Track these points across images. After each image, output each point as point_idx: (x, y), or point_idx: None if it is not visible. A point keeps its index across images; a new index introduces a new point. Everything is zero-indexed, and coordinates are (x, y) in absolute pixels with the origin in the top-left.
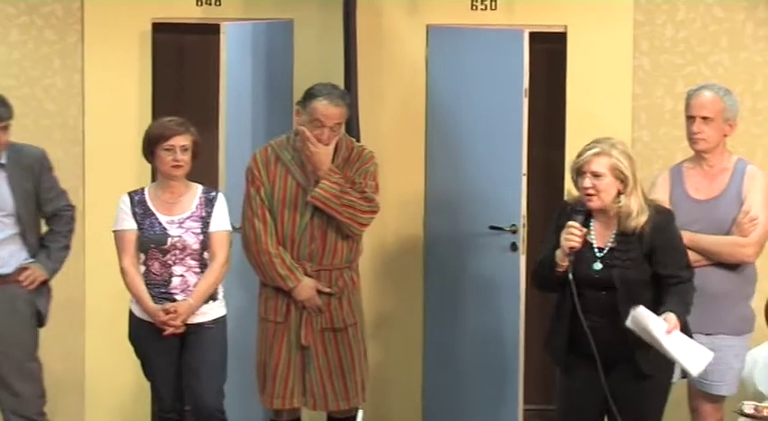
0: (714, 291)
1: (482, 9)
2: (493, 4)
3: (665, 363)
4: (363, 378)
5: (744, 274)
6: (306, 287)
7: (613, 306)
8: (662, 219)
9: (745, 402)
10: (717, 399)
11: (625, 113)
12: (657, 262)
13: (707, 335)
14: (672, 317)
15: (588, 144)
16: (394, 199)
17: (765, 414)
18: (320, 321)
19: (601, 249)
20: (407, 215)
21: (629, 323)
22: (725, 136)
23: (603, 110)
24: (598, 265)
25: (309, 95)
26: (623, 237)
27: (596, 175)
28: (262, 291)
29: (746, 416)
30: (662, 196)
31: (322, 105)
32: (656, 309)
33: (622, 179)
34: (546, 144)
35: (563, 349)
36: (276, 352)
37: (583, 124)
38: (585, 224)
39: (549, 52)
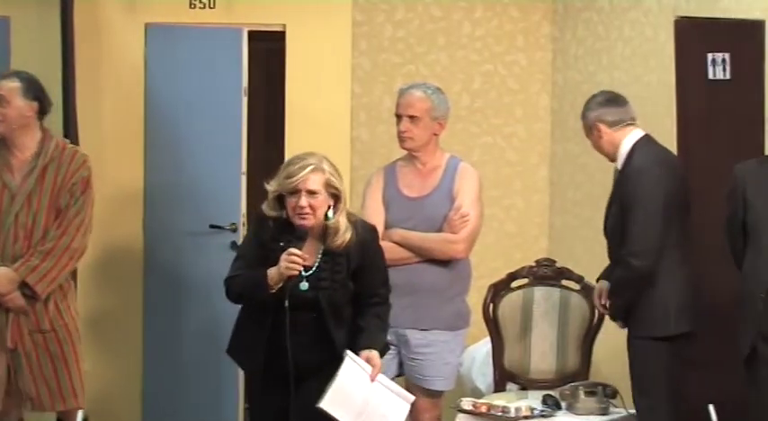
0: (427, 288)
1: (200, 8)
2: (211, 2)
3: None
4: (78, 379)
5: (457, 270)
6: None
7: (319, 325)
8: (368, 236)
9: (464, 398)
10: (434, 394)
11: (344, 112)
12: (361, 279)
13: (421, 330)
14: (374, 359)
15: (293, 161)
16: (113, 197)
17: (483, 410)
18: (27, 323)
19: (307, 269)
20: (127, 213)
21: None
22: (435, 134)
23: (323, 108)
24: (305, 285)
25: None
26: (330, 256)
27: (312, 193)
28: None
29: (465, 412)
30: (375, 195)
31: None
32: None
33: (335, 195)
34: (266, 142)
35: (261, 365)
36: None
37: (302, 123)
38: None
39: (269, 51)
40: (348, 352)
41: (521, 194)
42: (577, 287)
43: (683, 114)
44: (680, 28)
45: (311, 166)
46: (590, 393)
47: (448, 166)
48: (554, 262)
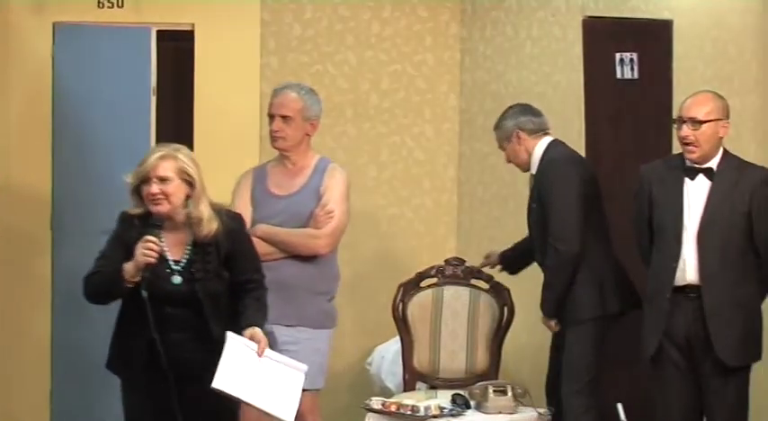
0: (293, 284)
1: (109, 7)
2: (120, 1)
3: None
4: None
5: (322, 269)
6: None
7: (198, 320)
8: (234, 224)
9: (373, 398)
10: (306, 394)
11: (253, 111)
12: (233, 267)
13: (287, 326)
14: (258, 335)
15: (147, 152)
16: (20, 197)
17: (393, 409)
18: None
19: (177, 262)
20: (34, 213)
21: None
22: (307, 135)
23: (232, 108)
24: (177, 279)
25: None
26: (199, 247)
27: (163, 180)
28: None
29: (374, 411)
30: (244, 194)
31: None
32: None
33: (190, 182)
34: (175, 141)
35: (140, 366)
36: None
37: (211, 122)
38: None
39: (177, 50)
40: (229, 333)
41: (429, 194)
42: (486, 286)
43: (591, 113)
44: (588, 27)
45: (161, 153)
46: (499, 392)
47: (317, 167)
48: (463, 261)
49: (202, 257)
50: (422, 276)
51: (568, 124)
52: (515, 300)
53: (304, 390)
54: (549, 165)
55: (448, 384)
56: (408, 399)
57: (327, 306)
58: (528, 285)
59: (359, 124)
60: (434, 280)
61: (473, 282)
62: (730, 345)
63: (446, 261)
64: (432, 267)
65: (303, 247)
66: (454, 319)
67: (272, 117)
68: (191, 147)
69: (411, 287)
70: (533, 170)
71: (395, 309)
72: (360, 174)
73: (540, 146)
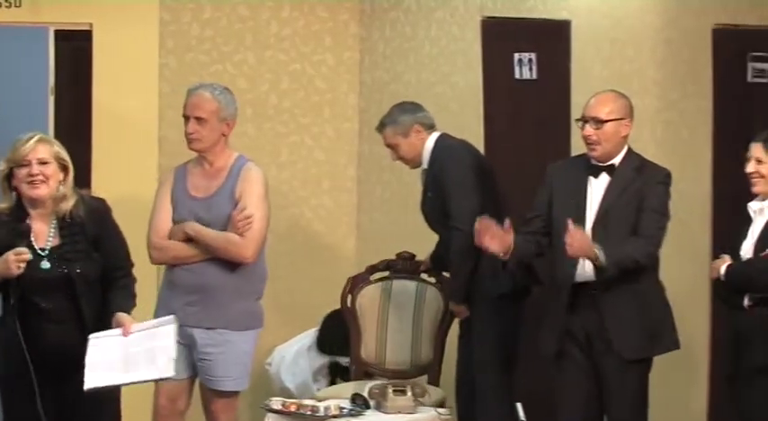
0: (215, 286)
1: (6, 6)
2: (17, 1)
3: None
4: None
5: (247, 270)
6: None
7: (72, 307)
8: (99, 205)
9: (273, 398)
10: (227, 395)
11: (152, 111)
12: (102, 251)
13: (208, 329)
14: (123, 317)
15: (19, 138)
16: None
17: (292, 409)
18: None
19: (43, 249)
20: None
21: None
22: (223, 135)
23: (130, 108)
24: (46, 264)
25: None
26: (66, 230)
27: (43, 162)
28: None
29: (274, 411)
30: (164, 193)
31: None
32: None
33: (65, 167)
34: (74, 141)
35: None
36: None
37: (110, 122)
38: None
39: (76, 50)
40: (90, 337)
41: (329, 194)
42: (433, 280)
43: (489, 113)
44: (486, 28)
45: (39, 136)
46: (399, 392)
47: (233, 167)
48: (413, 255)
49: (70, 238)
50: (372, 269)
51: (467, 124)
52: None
53: (226, 392)
54: (442, 152)
55: (393, 375)
56: (309, 400)
57: (253, 306)
58: None
59: (259, 124)
60: (385, 273)
61: (422, 276)
62: (628, 340)
63: (397, 255)
64: (382, 261)
65: (229, 254)
66: (401, 312)
67: (186, 118)
68: (89, 146)
69: (360, 280)
70: (425, 164)
71: (344, 300)
72: None
73: (431, 140)
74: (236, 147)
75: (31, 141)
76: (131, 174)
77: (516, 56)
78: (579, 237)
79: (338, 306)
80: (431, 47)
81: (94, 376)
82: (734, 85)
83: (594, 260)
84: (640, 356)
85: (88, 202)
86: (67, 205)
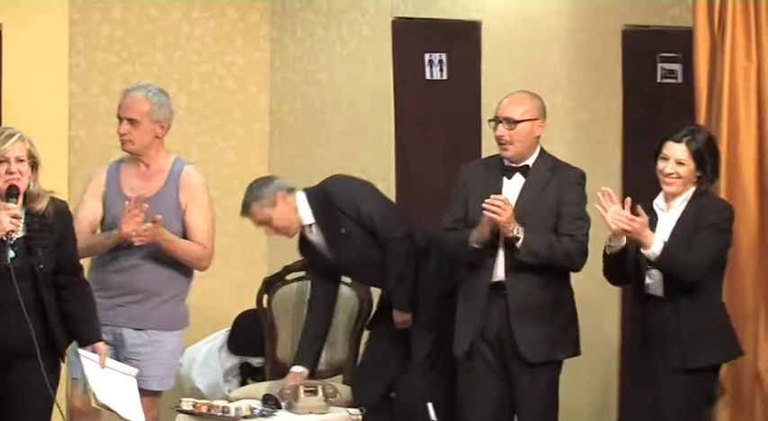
0: (143, 288)
1: None
2: None
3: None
4: None
5: (174, 272)
6: None
7: (30, 297)
8: (63, 207)
9: (184, 399)
10: (151, 394)
11: (62, 111)
12: (62, 251)
13: (137, 330)
14: (101, 348)
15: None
16: None
17: (203, 410)
18: None
19: (9, 238)
20: None
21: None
22: (157, 137)
23: (40, 107)
24: (12, 254)
25: None
26: (34, 223)
27: (20, 160)
28: None
29: (185, 412)
30: (95, 190)
31: None
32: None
33: (35, 163)
34: None
35: None
36: None
37: (19, 122)
38: None
39: None
40: (78, 349)
41: (240, 195)
42: (348, 280)
43: (400, 114)
44: (397, 28)
45: (18, 135)
46: (310, 392)
47: (172, 171)
48: None
49: (39, 233)
50: (288, 270)
51: (378, 125)
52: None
53: (155, 392)
54: (334, 194)
55: (308, 375)
56: (219, 401)
57: (179, 307)
58: None
59: None
60: (300, 273)
61: None
62: (534, 343)
63: None
64: (297, 261)
65: (194, 264)
66: None
67: (120, 119)
68: None
69: (276, 280)
70: (307, 221)
71: (259, 301)
72: None
73: (300, 198)
74: None
75: (13, 139)
76: (41, 173)
77: (427, 56)
78: (507, 207)
79: (250, 306)
80: (342, 47)
81: (103, 394)
82: (644, 86)
83: (514, 236)
84: (545, 359)
85: (57, 203)
86: (42, 204)
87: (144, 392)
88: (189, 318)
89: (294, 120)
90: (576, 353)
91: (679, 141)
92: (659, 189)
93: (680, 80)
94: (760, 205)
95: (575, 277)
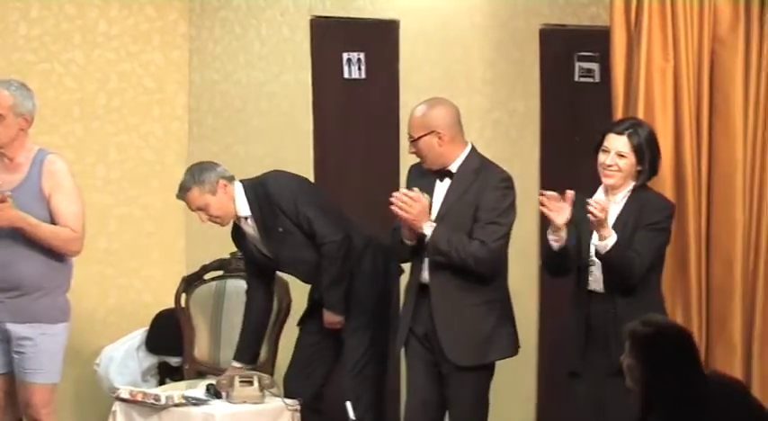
0: (26, 281)
1: None
2: None
3: None
4: None
5: (55, 264)
6: None
7: None
8: None
9: (122, 387)
10: (43, 388)
11: None
12: None
13: (22, 323)
14: None
15: None
16: None
17: (138, 398)
18: None
19: None
20: None
21: None
22: (22, 130)
23: None
24: None
25: None
26: None
27: None
28: None
29: (122, 400)
30: None
31: None
32: None
33: None
34: None
35: None
36: None
37: None
38: None
39: None
40: None
41: (158, 193)
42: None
43: (319, 113)
44: (315, 27)
45: None
46: (246, 382)
47: (35, 160)
48: None
49: None
50: (206, 269)
51: (297, 123)
52: (294, 294)
53: (41, 385)
54: (274, 193)
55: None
56: (155, 389)
57: (61, 300)
58: None
59: (86, 123)
60: (218, 272)
61: None
62: (455, 345)
63: (231, 254)
64: (216, 260)
65: (64, 248)
66: (235, 311)
67: None
68: None
69: (194, 279)
70: (243, 213)
71: (177, 300)
72: (88, 174)
73: (238, 189)
74: (63, 147)
75: None
76: None
77: (345, 55)
78: (415, 204)
79: (168, 305)
80: (261, 46)
81: None
82: (561, 85)
83: (422, 234)
84: (468, 363)
85: None
86: None
87: (33, 386)
88: (70, 312)
89: (213, 118)
90: (512, 353)
91: (621, 134)
92: (577, 186)
93: (597, 79)
94: (676, 203)
95: None
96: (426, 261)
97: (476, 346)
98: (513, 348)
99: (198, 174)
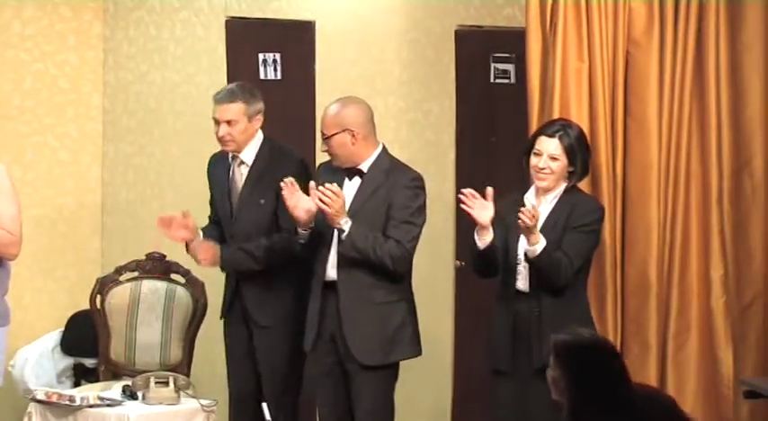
0: None
1: None
2: None
3: None
4: None
5: None
6: None
7: None
8: None
9: (38, 388)
10: None
11: None
12: None
13: None
14: None
15: None
16: None
17: (54, 399)
18: None
19: None
20: None
21: None
22: None
23: None
24: None
25: None
26: None
27: None
28: None
29: (37, 401)
30: None
31: None
32: None
33: None
34: None
35: None
36: None
37: None
38: None
39: None
40: None
41: (73, 194)
42: (183, 280)
43: None
44: (231, 28)
45: None
46: (161, 383)
47: None
48: (164, 256)
49: None
50: (121, 270)
51: (212, 125)
52: (211, 294)
53: None
54: (288, 165)
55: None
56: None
57: (1, 303)
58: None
59: (1, 125)
60: (134, 273)
61: (172, 276)
62: (362, 344)
63: (147, 255)
64: (132, 261)
65: (4, 252)
66: (150, 312)
67: None
68: None
69: (110, 280)
70: (248, 158)
71: (92, 301)
72: None
73: (259, 136)
74: None
75: None
76: None
77: (261, 56)
78: (338, 199)
79: (83, 307)
80: (175, 47)
81: None
82: (477, 86)
83: (339, 228)
84: (375, 363)
85: None
86: None
87: None
88: (10, 316)
89: (128, 119)
90: (416, 353)
91: (552, 136)
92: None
93: (513, 80)
94: None
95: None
96: (332, 258)
97: (382, 345)
98: (416, 349)
99: (251, 93)
